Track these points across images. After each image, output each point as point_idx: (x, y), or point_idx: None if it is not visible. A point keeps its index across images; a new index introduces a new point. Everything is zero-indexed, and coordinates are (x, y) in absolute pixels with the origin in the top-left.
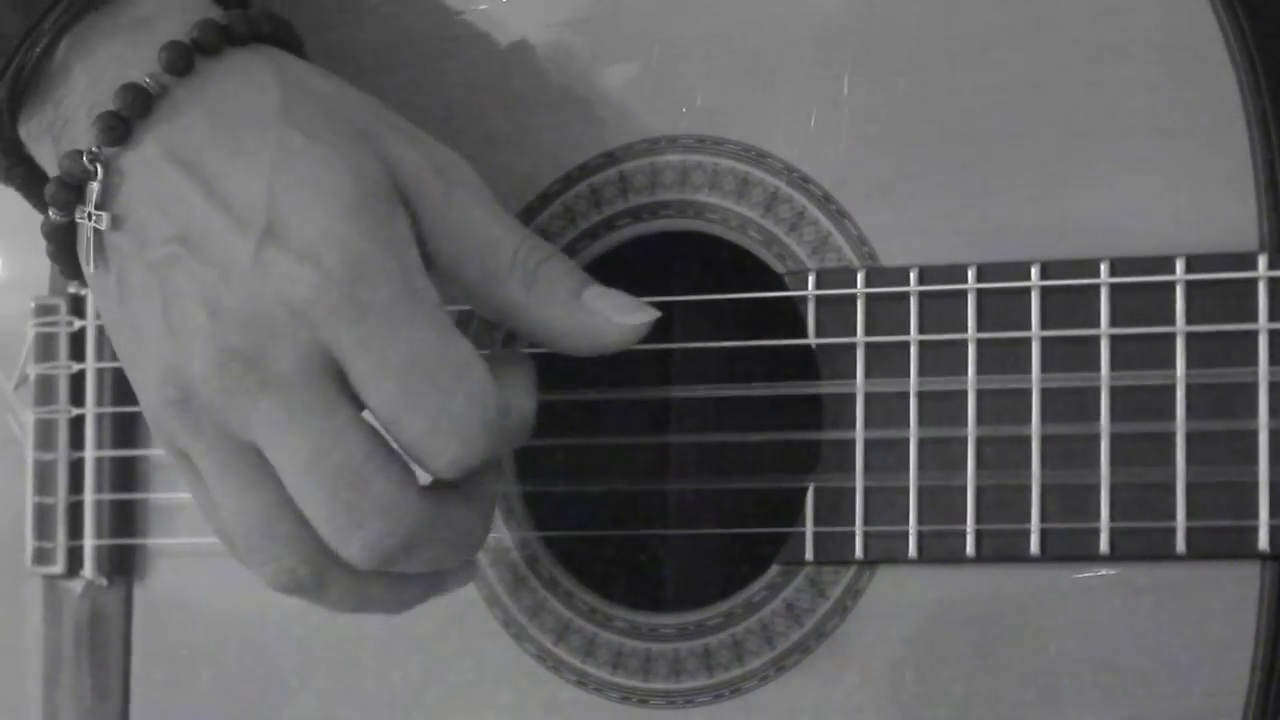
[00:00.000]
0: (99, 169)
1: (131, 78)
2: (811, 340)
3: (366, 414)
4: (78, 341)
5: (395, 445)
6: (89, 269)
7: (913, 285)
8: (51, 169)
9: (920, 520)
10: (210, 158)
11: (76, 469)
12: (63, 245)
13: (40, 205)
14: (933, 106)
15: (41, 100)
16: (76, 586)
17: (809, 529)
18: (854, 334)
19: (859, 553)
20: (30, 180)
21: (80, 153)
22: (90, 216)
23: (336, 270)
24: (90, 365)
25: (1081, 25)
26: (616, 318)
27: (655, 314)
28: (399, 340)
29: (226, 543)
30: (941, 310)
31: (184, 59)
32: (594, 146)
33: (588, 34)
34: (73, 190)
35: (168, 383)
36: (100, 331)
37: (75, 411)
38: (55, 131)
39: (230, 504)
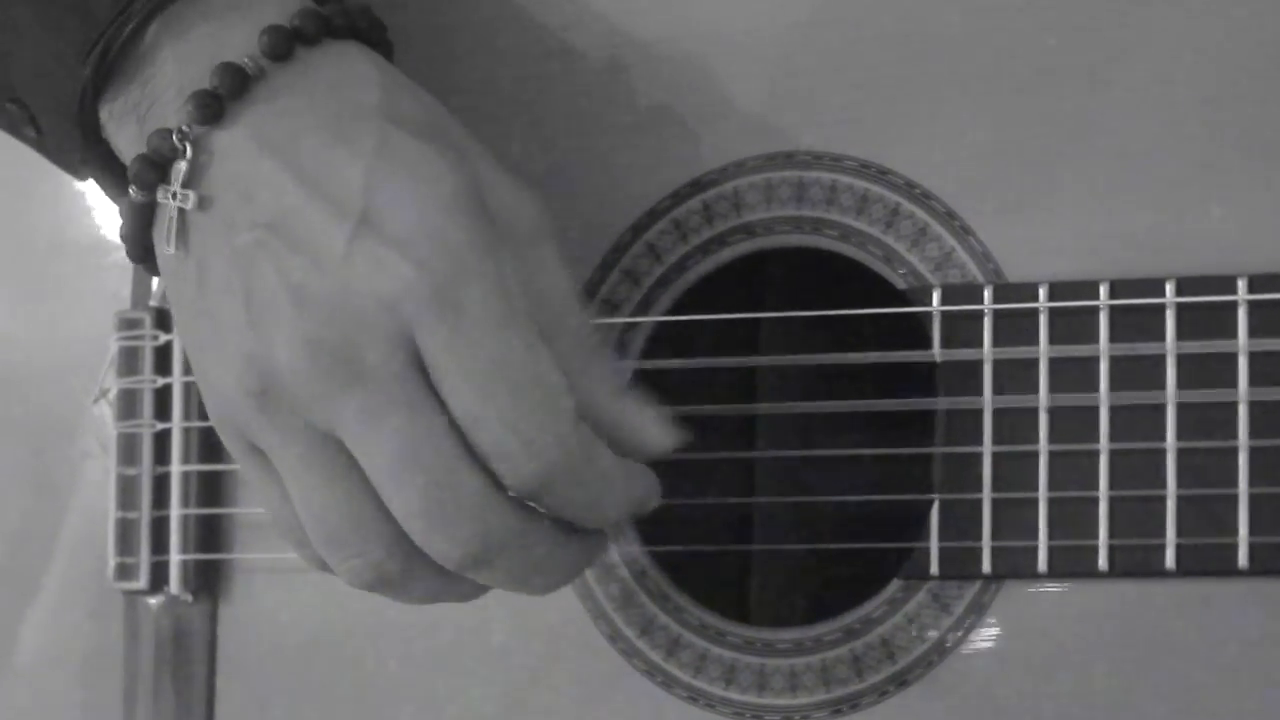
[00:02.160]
0: (188, 148)
1: (228, 58)
2: (936, 353)
3: None
4: (161, 356)
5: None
6: (169, 250)
7: (1042, 300)
8: (131, 151)
9: (1050, 535)
10: (306, 145)
11: (159, 484)
12: (138, 226)
13: (113, 190)
14: (1056, 121)
15: (128, 81)
16: (159, 602)
17: (934, 543)
18: (978, 349)
19: (986, 567)
20: (104, 164)
21: (170, 130)
22: (175, 196)
23: (433, 265)
24: (177, 379)
25: (1207, 40)
26: (647, 433)
27: (678, 441)
28: (487, 344)
29: (294, 541)
30: (1069, 325)
31: (285, 44)
32: (706, 162)
33: (707, 47)
34: (158, 169)
35: (248, 373)
36: None
37: (159, 426)
38: (141, 112)
39: (313, 498)
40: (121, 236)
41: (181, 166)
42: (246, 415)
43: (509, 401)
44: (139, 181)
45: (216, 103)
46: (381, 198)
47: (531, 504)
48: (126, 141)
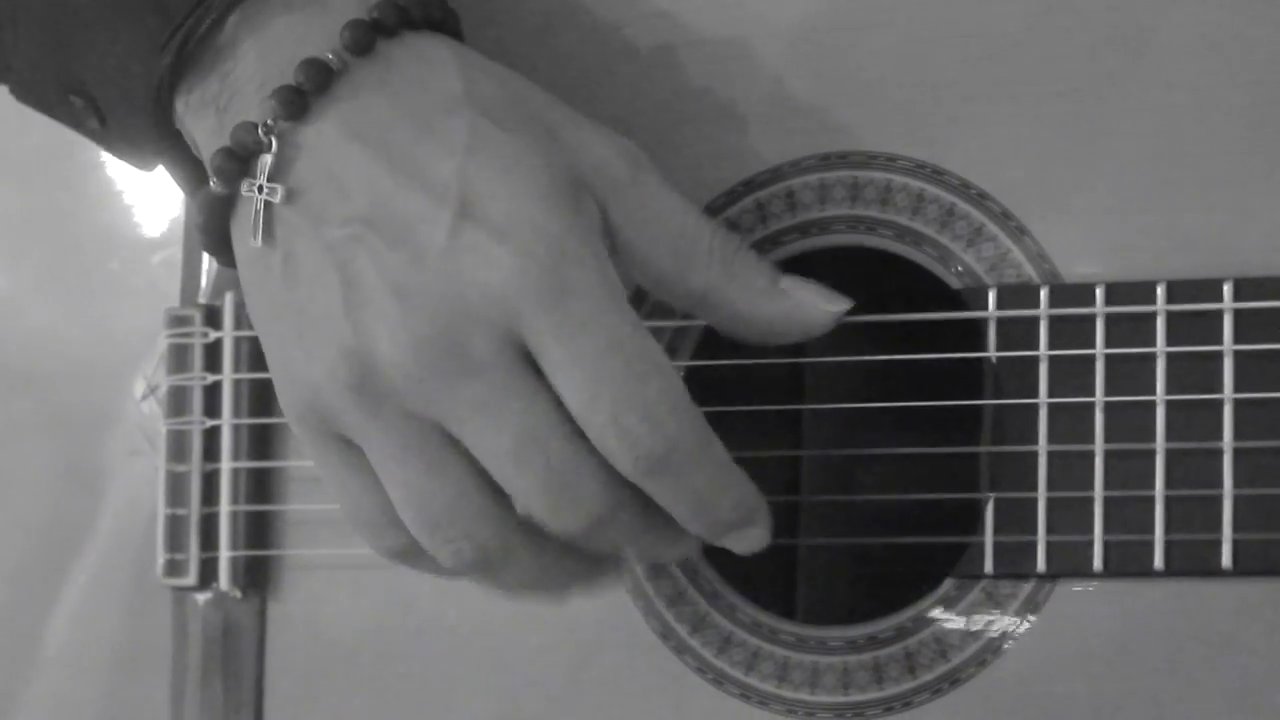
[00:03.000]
0: (273, 141)
1: (310, 53)
2: (992, 354)
3: None
4: (210, 353)
5: None
6: (254, 244)
7: (1099, 302)
8: (209, 142)
9: (1106, 533)
10: (396, 139)
11: (208, 481)
12: (215, 217)
13: (186, 181)
14: (1113, 121)
15: (205, 73)
16: (208, 598)
17: (989, 540)
18: (1034, 349)
19: (1041, 565)
20: (176, 155)
21: (254, 124)
22: (261, 189)
23: (537, 254)
24: (227, 376)
25: (1261, 36)
26: (819, 302)
27: (850, 302)
28: (596, 328)
29: (372, 532)
30: (1125, 325)
31: (367, 37)
32: (760, 162)
33: (762, 46)
34: (241, 161)
35: (343, 365)
36: (237, 344)
37: (209, 423)
38: (220, 104)
39: (415, 485)
40: (196, 227)
41: (267, 160)
42: (340, 407)
43: (623, 380)
44: (221, 174)
45: (301, 98)
46: (479, 190)
47: None
48: (205, 133)
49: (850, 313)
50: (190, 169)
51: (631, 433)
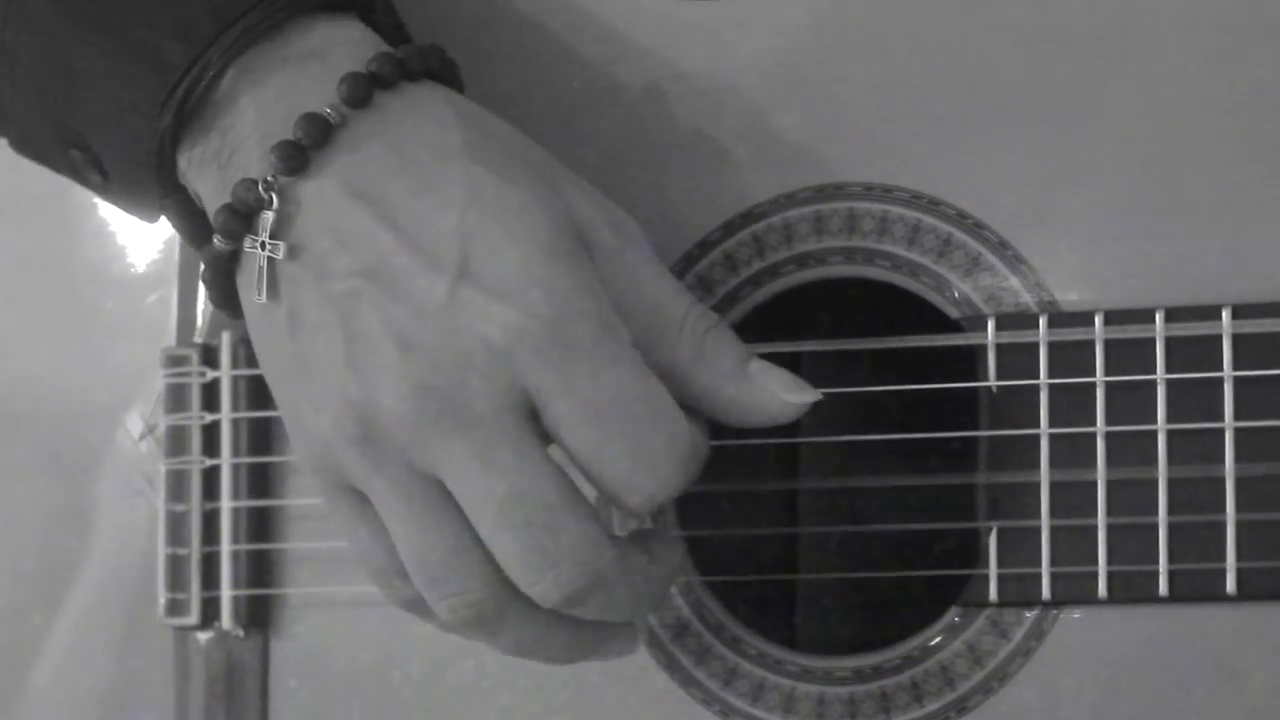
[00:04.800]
0: (273, 198)
1: (309, 108)
2: (993, 383)
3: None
4: (208, 392)
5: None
6: (258, 299)
7: (1098, 328)
8: (212, 199)
9: (1110, 561)
10: (395, 193)
11: (209, 520)
12: (220, 274)
13: (191, 236)
14: (1107, 149)
15: (205, 129)
16: (210, 637)
17: (993, 570)
18: (1034, 378)
19: (1046, 594)
20: (181, 209)
21: (255, 181)
22: (264, 246)
23: (539, 309)
24: (226, 415)
25: (1261, 70)
26: (782, 394)
27: (817, 395)
28: (602, 380)
29: (381, 580)
30: (1125, 352)
31: (364, 91)
32: (757, 194)
33: (756, 79)
34: (243, 219)
35: (347, 417)
36: (235, 383)
37: (209, 462)
38: (221, 160)
39: (414, 538)
40: (203, 281)
41: (269, 216)
42: (346, 458)
43: (631, 433)
44: (225, 231)
45: (300, 153)
46: (478, 245)
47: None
48: (207, 189)
49: (849, 340)
50: (194, 221)
51: (642, 489)
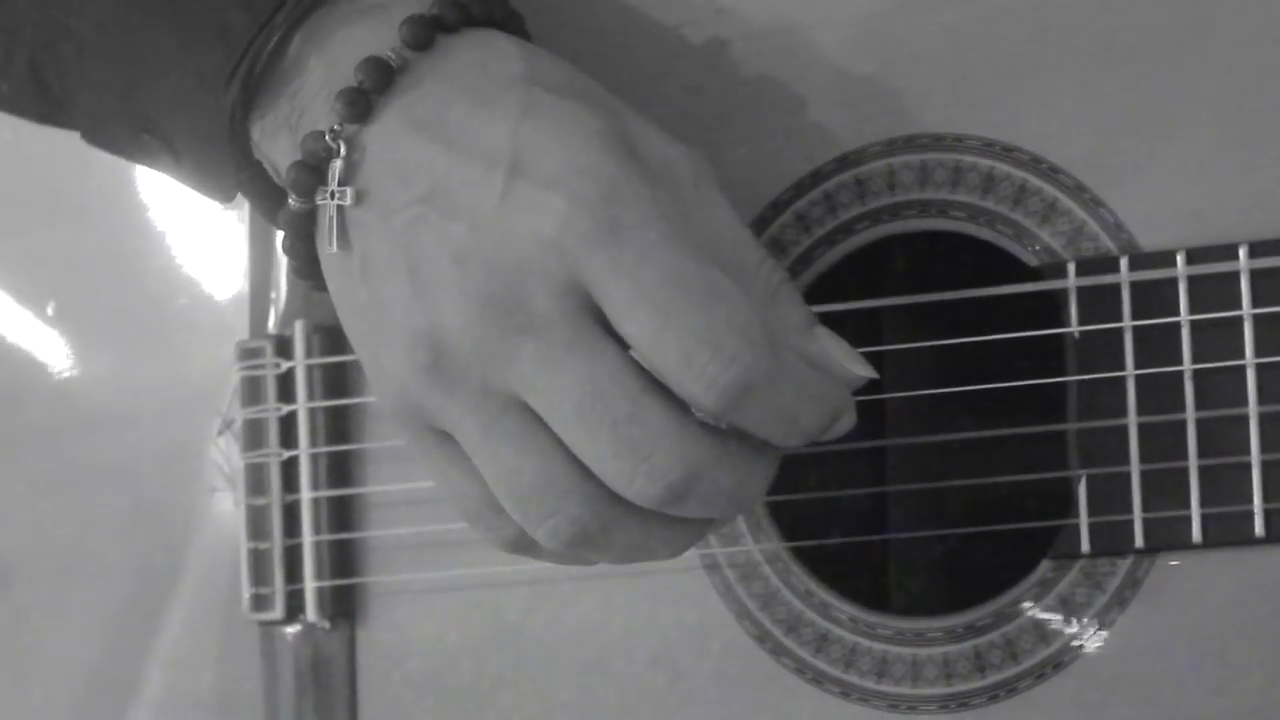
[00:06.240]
0: (341, 146)
1: (372, 53)
2: (1075, 329)
3: None
4: (284, 383)
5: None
6: (331, 250)
7: (1180, 266)
8: (287, 163)
9: (1203, 504)
10: (452, 116)
11: (289, 512)
12: (300, 236)
13: (268, 206)
14: (1179, 84)
15: (275, 96)
16: (296, 631)
17: (1084, 520)
18: (1117, 321)
19: (1139, 541)
20: (257, 186)
21: (322, 133)
22: (333, 195)
23: (586, 195)
24: (302, 405)
25: None
26: (846, 362)
27: (874, 373)
28: (654, 261)
29: (477, 519)
30: (1209, 289)
31: (426, 33)
32: (826, 152)
33: (815, 38)
34: (315, 172)
35: (418, 346)
36: (310, 372)
37: (286, 454)
38: (293, 123)
39: (501, 464)
40: (284, 249)
41: (337, 165)
42: (423, 393)
43: (689, 313)
44: (297, 188)
45: (364, 98)
46: (529, 145)
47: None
48: (281, 154)
49: (927, 295)
50: (271, 194)
51: (706, 370)
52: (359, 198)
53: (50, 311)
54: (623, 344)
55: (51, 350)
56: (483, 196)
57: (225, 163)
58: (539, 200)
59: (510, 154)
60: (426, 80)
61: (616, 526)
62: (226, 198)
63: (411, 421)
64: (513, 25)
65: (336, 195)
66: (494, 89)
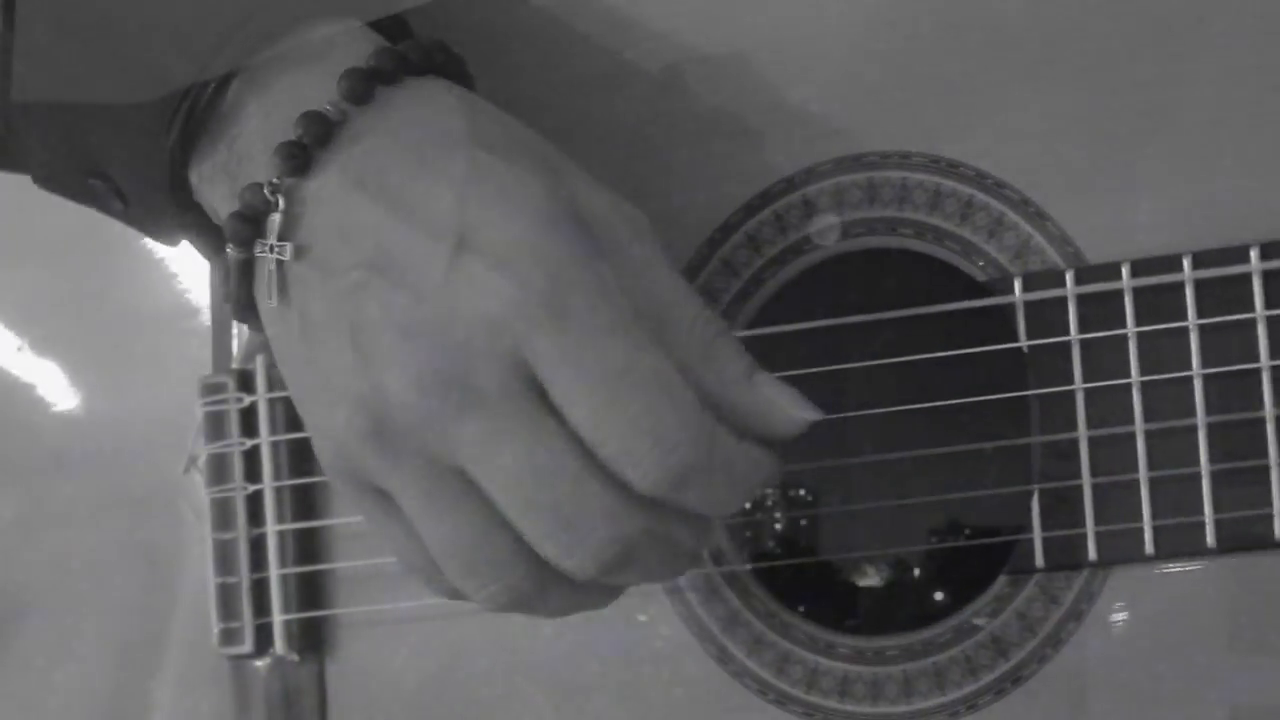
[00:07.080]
0: (280, 200)
1: (311, 106)
2: (1023, 343)
3: None
4: (247, 417)
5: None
6: (270, 304)
7: (1125, 279)
8: (226, 210)
9: (1154, 516)
10: (394, 178)
11: (256, 546)
12: (239, 284)
13: (209, 251)
14: (1121, 98)
15: (214, 141)
16: (266, 664)
17: (1037, 535)
18: (1065, 335)
19: (1092, 554)
20: (199, 227)
21: (260, 185)
22: (272, 249)
23: (534, 279)
24: (265, 439)
25: (1272, 7)
26: (788, 407)
27: (820, 414)
28: (600, 350)
29: (423, 576)
30: (1155, 300)
31: (364, 86)
32: (774, 173)
33: (761, 61)
34: (252, 224)
35: (359, 414)
36: (272, 405)
37: (251, 488)
38: (231, 170)
39: (441, 531)
40: (224, 297)
41: (276, 219)
42: (363, 457)
43: (631, 403)
44: (235, 238)
45: (303, 152)
46: (475, 219)
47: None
48: (220, 201)
49: (878, 312)
50: (213, 238)
51: (643, 461)
52: (299, 253)
53: (19, 351)
54: (564, 419)
55: (20, 390)
56: (428, 269)
57: (167, 207)
58: (486, 282)
59: (456, 227)
60: (366, 136)
61: (552, 591)
62: (173, 242)
63: (350, 479)
64: (454, 69)
65: (275, 249)
66: (435, 150)
